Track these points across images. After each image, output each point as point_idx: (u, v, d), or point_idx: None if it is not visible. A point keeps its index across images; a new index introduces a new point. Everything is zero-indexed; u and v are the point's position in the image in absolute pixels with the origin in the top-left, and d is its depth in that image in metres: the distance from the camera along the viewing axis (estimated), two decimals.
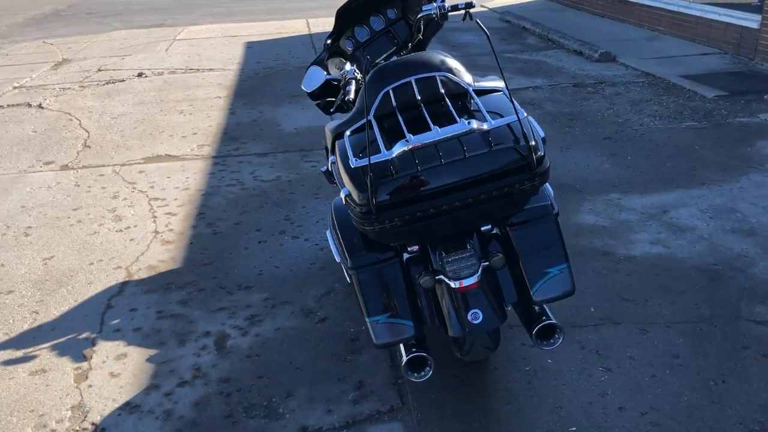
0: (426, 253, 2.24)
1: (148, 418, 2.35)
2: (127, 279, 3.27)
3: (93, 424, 2.34)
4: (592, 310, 2.88)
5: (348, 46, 3.24)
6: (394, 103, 2.10)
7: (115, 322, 2.93)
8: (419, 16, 3.25)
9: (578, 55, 7.65)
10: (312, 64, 3.16)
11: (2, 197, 4.32)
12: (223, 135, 5.37)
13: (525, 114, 1.96)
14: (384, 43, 3.31)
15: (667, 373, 2.48)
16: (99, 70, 7.90)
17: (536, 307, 2.30)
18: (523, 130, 1.95)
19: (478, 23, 1.88)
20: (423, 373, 2.18)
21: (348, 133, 2.13)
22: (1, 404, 2.46)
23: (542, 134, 2.09)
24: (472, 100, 2.10)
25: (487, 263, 2.18)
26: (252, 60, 8.18)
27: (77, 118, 5.95)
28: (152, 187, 4.37)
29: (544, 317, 2.24)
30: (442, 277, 2.15)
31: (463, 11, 3.35)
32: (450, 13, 3.27)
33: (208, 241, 3.62)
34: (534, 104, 5.85)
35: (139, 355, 2.69)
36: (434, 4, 3.27)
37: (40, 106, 6.41)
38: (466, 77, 2.20)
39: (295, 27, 10.52)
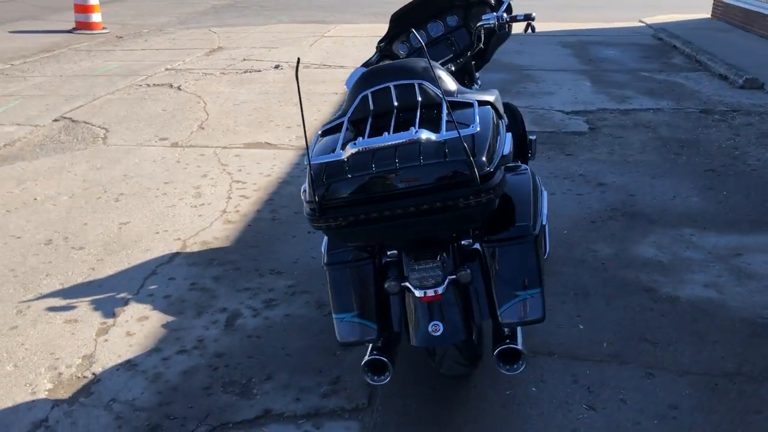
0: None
1: (139, 377, 2.55)
2: (180, 250, 3.54)
3: (93, 374, 2.58)
4: (605, 345, 2.73)
5: (401, 51, 3.29)
6: (371, 107, 2.13)
7: (152, 287, 3.19)
8: (479, 24, 3.23)
9: (722, 79, 7.11)
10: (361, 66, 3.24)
11: (112, 165, 4.80)
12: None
13: (478, 129, 1.91)
14: (441, 49, 3.32)
15: (654, 423, 2.31)
16: (244, 59, 8.45)
17: (506, 329, 2.24)
18: (474, 144, 1.91)
19: (415, 33, 1.86)
20: (382, 377, 2.20)
21: (320, 132, 2.19)
22: (33, 343, 2.77)
23: (506, 152, 2.03)
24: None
25: (454, 277, 2.16)
26: None
27: (204, 102, 6.43)
28: (240, 170, 4.66)
29: (508, 340, 2.18)
30: (407, 284, 2.15)
31: (524, 24, 3.29)
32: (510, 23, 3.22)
33: (265, 225, 3.81)
34: (648, 127, 5.53)
35: (158, 320, 2.92)
36: (494, 13, 3.24)
37: (179, 87, 6.99)
38: (449, 87, 2.17)
39: None
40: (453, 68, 3.26)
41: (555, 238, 3.61)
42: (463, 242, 2.24)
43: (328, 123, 2.23)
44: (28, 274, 3.31)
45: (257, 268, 3.35)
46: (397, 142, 1.88)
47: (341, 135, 2.05)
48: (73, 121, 5.90)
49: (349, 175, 1.92)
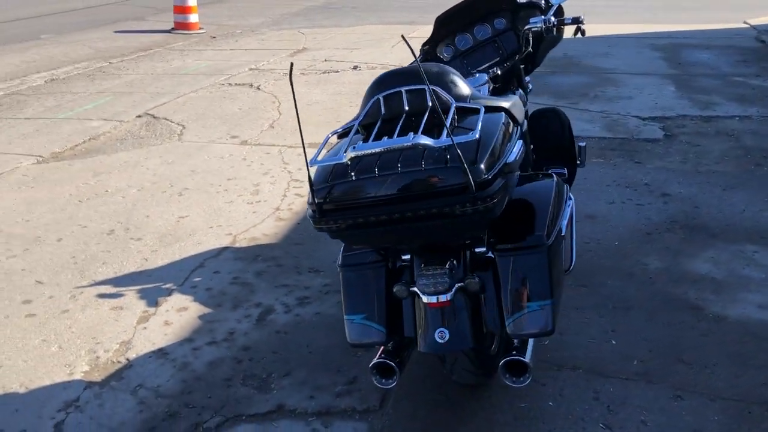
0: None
1: (167, 365, 2.67)
2: (229, 245, 3.66)
3: (127, 359, 2.72)
4: (635, 362, 2.62)
5: (445, 53, 3.27)
6: (382, 111, 2.13)
7: (197, 279, 3.32)
8: (526, 27, 3.17)
9: None
10: None
11: (183, 160, 5.01)
12: None
13: (476, 136, 1.87)
14: (488, 53, 3.28)
15: None
16: (325, 60, 8.61)
17: (515, 340, 2.20)
18: (472, 151, 1.88)
19: (402, 38, 1.84)
20: (389, 381, 2.20)
21: (329, 134, 2.22)
22: (79, 327, 2.95)
23: (511, 159, 1.98)
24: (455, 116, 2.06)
25: (463, 284, 2.13)
26: None
27: (279, 101, 6.60)
28: (300, 169, 4.76)
29: (515, 351, 2.14)
30: (415, 289, 2.15)
31: (573, 27, 3.20)
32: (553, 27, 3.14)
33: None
34: (731, 135, 5.25)
35: (196, 311, 3.04)
36: (542, 17, 3.17)
37: (258, 87, 7.21)
38: (462, 92, 2.14)
39: None
40: (499, 72, 3.21)
41: (604, 249, 3.50)
42: (477, 250, 2.21)
43: (342, 126, 2.25)
44: (86, 262, 3.51)
45: (297, 265, 3.42)
46: (393, 147, 1.88)
47: (348, 138, 2.07)
48: (154, 117, 6.20)
49: (350, 179, 1.94)
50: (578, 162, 3.49)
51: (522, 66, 3.36)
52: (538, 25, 3.19)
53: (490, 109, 2.10)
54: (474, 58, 3.30)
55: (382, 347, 2.26)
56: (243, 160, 4.99)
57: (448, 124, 1.93)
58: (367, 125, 2.16)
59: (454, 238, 2.10)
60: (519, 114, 2.20)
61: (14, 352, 2.77)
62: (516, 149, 2.04)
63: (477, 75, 3.12)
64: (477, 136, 1.86)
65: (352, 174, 1.94)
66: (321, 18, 12.97)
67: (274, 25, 12.11)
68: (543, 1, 3.27)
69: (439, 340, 2.14)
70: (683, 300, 3.03)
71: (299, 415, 2.39)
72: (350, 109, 6.25)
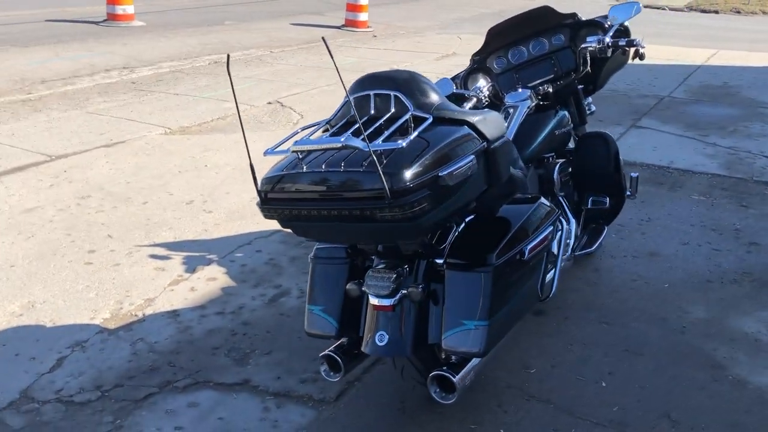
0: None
1: (172, 326, 2.91)
2: (282, 229, 3.86)
3: (143, 314, 3.00)
4: (615, 409, 2.46)
5: (497, 65, 3.23)
6: (352, 112, 2.18)
7: (238, 255, 3.56)
8: (582, 46, 3.07)
9: None
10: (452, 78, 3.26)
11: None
12: None
13: (403, 144, 1.87)
14: (542, 69, 3.20)
15: None
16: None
17: (453, 357, 2.17)
18: (398, 159, 1.87)
19: (323, 40, 1.86)
20: (335, 374, 2.28)
21: (299, 129, 2.30)
22: (121, 280, 3.28)
23: (444, 173, 1.93)
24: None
25: (406, 292, 2.15)
26: None
27: None
28: None
29: (446, 367, 2.12)
30: (365, 289, 2.20)
31: (629, 50, 3.05)
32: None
33: None
34: None
35: (221, 283, 3.27)
36: (597, 36, 3.05)
37: None
38: (428, 101, 2.12)
39: (692, 56, 9.76)
40: (550, 89, 3.13)
41: (649, 290, 3.28)
42: (437, 261, 2.22)
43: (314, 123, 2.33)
44: (156, 225, 3.88)
45: None
46: (325, 145, 1.94)
47: (309, 133, 2.15)
48: (282, 105, 6.60)
49: (293, 171, 2.02)
50: (628, 193, 3.30)
51: (581, 86, 3.25)
52: (593, 45, 3.07)
53: (449, 121, 2.08)
54: (527, 73, 3.23)
55: (340, 341, 2.33)
56: None
57: (390, 131, 1.95)
58: (335, 125, 2.21)
59: (383, 241, 2.12)
60: (492, 130, 2.15)
61: (60, 292, 3.16)
62: (459, 163, 1.98)
63: (520, 90, 3.07)
64: (402, 144, 1.87)
65: (299, 167, 2.03)
66: (489, 23, 12.93)
67: (441, 29, 12.30)
68: (607, 21, 3.13)
69: (378, 343, 2.17)
70: (708, 356, 2.78)
71: (259, 392, 2.52)
72: None
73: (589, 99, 3.45)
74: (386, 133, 1.94)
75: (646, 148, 5.51)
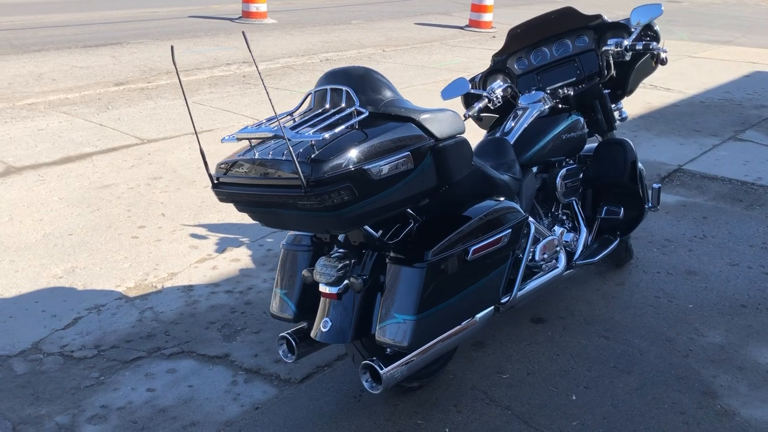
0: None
1: (182, 299, 3.13)
2: None
3: (162, 286, 3.24)
4: (575, 423, 2.38)
5: (518, 67, 3.19)
6: (311, 105, 2.26)
7: (269, 240, 3.74)
8: (603, 49, 2.98)
9: None
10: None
11: None
12: None
13: (325, 135, 1.92)
14: (565, 71, 3.13)
15: None
16: None
17: (388, 349, 2.21)
18: (318, 150, 1.92)
19: (243, 34, 1.93)
20: (291, 356, 2.39)
21: (264, 120, 2.40)
22: (156, 254, 3.57)
23: (370, 166, 1.94)
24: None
25: (348, 282, 2.21)
26: (724, 89, 7.46)
27: None
28: None
29: (376, 358, 2.16)
30: (315, 276, 2.29)
31: (645, 51, 2.92)
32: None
33: None
34: None
35: (242, 264, 3.46)
36: (617, 39, 2.94)
37: None
38: (379, 97, 2.15)
39: None
40: (571, 92, 3.05)
41: (670, 309, 3.10)
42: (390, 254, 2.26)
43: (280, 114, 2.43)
44: (206, 208, 4.16)
45: None
46: (255, 135, 2.04)
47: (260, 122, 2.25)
48: None
49: (238, 157, 2.14)
50: (648, 205, 3.14)
51: (607, 91, 3.13)
52: (611, 48, 2.96)
53: (395, 118, 2.11)
54: (549, 75, 3.16)
55: (301, 325, 2.44)
56: None
57: (324, 124, 2.02)
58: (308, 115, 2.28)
59: (311, 229, 2.19)
60: (442, 128, 2.15)
61: (100, 260, 3.49)
62: (396, 158, 2.01)
63: (533, 91, 3.02)
64: (322, 137, 1.93)
65: (248, 154, 2.15)
66: None
67: None
68: (633, 23, 2.99)
69: (323, 329, 2.26)
70: (703, 382, 2.61)
71: (234, 366, 2.67)
72: None
73: (620, 104, 3.30)
74: (319, 126, 2.01)
75: (737, 162, 5.13)
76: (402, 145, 2.05)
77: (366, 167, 1.96)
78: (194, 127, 2.14)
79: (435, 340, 2.25)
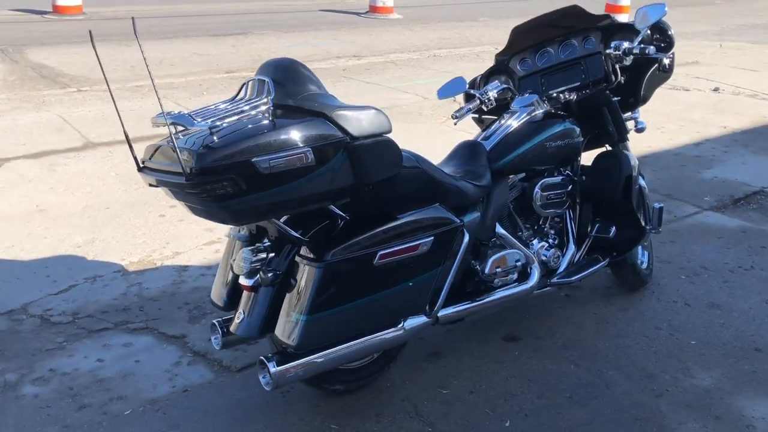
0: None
1: (170, 278, 3.24)
2: None
3: (161, 264, 3.38)
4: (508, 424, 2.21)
5: (521, 68, 3.00)
6: (243, 94, 2.23)
7: None
8: (606, 52, 2.75)
9: None
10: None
11: (419, 139, 5.39)
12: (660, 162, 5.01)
13: (206, 126, 1.89)
14: (571, 75, 2.92)
15: None
16: (696, 77, 7.75)
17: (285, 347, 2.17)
18: (205, 140, 1.89)
19: (132, 20, 1.90)
20: (217, 343, 2.40)
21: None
22: (172, 234, 3.71)
23: (257, 160, 1.88)
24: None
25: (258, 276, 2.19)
26: None
27: None
28: None
29: (271, 355, 2.13)
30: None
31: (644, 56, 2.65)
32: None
33: None
34: None
35: None
36: (617, 42, 2.70)
37: None
38: (295, 90, 2.09)
39: None
40: (573, 97, 2.84)
41: (669, 342, 2.81)
42: None
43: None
44: None
45: None
46: (171, 121, 2.05)
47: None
48: (454, 101, 6.61)
49: (157, 144, 2.17)
50: (648, 226, 2.84)
51: (617, 98, 2.87)
52: (612, 51, 2.71)
53: (308, 112, 2.05)
54: (555, 78, 2.94)
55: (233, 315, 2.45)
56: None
57: (229, 113, 2.00)
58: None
59: (207, 218, 2.14)
60: (359, 127, 2.05)
61: (120, 234, 3.68)
62: (292, 153, 1.94)
63: (527, 94, 2.84)
64: (205, 125, 1.91)
65: (169, 141, 2.18)
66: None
67: (716, 35, 11.10)
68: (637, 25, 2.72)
69: (236, 321, 2.26)
70: (665, 427, 2.33)
71: (186, 347, 2.73)
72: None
73: (636, 113, 3.00)
74: (221, 115, 2.00)
75: None
76: (303, 140, 1.98)
77: (254, 160, 1.91)
78: (117, 111, 2.18)
79: (348, 344, 2.18)
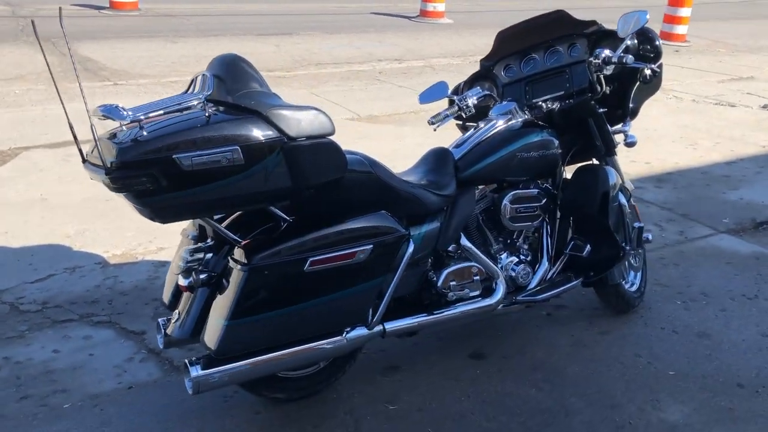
0: None
1: (147, 273, 3.23)
2: None
3: (143, 258, 3.37)
4: None
5: (506, 75, 2.87)
6: (192, 89, 2.18)
7: None
8: (588, 59, 2.61)
9: None
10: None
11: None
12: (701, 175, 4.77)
13: (126, 121, 1.84)
14: (556, 83, 2.78)
15: None
16: (748, 93, 7.38)
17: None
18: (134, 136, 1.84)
19: (60, 14, 1.86)
20: (160, 338, 2.35)
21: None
22: (162, 229, 3.66)
23: (180, 157, 1.82)
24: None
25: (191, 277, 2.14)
26: None
27: None
28: None
29: (195, 359, 2.07)
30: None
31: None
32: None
33: None
34: None
35: None
36: (599, 50, 2.55)
37: None
38: (233, 87, 2.03)
39: None
40: (555, 107, 2.70)
41: (645, 372, 2.64)
42: None
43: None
44: None
45: None
46: (98, 114, 2.02)
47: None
48: None
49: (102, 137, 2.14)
50: (628, 247, 2.67)
51: (603, 110, 2.71)
52: (593, 60, 2.56)
53: (244, 110, 1.99)
54: (540, 86, 2.81)
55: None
56: None
57: (161, 109, 1.96)
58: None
59: (140, 215, 2.08)
60: (296, 127, 1.97)
61: (112, 226, 3.70)
62: (217, 151, 1.88)
63: (504, 102, 2.71)
64: (126, 121, 1.86)
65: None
66: None
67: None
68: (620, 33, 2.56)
69: (172, 321, 2.22)
70: None
71: (142, 344, 2.70)
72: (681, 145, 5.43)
73: (626, 127, 2.83)
74: (158, 110, 1.96)
75: None
76: (232, 138, 1.92)
77: (175, 156, 1.86)
78: (63, 105, 2.16)
79: (280, 353, 2.11)
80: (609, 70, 2.55)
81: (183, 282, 2.15)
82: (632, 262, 2.98)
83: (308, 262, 2.03)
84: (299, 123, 2.00)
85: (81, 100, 1.98)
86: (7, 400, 2.37)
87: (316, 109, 2.05)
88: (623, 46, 2.56)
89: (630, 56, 2.52)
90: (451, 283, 2.40)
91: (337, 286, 2.10)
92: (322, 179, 2.06)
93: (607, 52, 2.53)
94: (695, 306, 3.09)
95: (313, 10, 13.01)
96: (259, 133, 1.94)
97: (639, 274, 3.06)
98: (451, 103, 2.85)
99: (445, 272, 2.40)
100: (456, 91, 2.93)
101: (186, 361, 2.07)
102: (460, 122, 2.94)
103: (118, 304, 2.98)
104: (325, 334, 2.17)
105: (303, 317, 2.09)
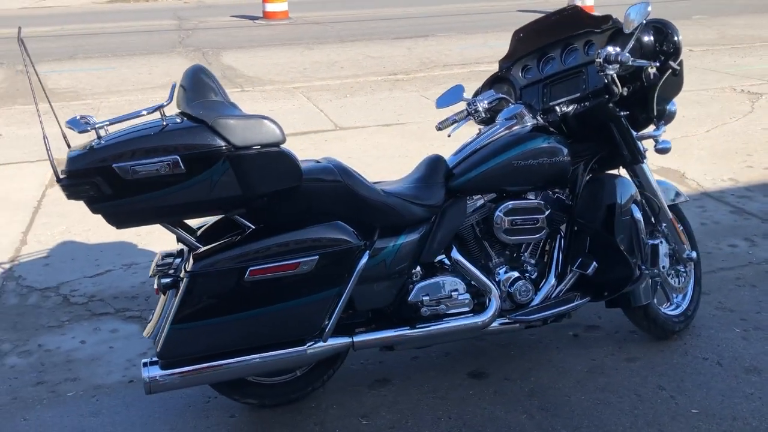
0: None
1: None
2: None
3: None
4: None
5: (524, 76, 2.69)
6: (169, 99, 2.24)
7: None
8: (595, 60, 2.39)
9: None
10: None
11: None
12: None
13: (84, 128, 1.90)
14: (573, 85, 2.57)
15: None
16: None
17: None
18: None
19: (18, 30, 1.94)
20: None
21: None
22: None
23: (123, 166, 1.87)
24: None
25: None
26: None
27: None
28: None
29: (151, 359, 2.14)
30: None
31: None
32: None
33: None
34: None
35: None
36: (603, 49, 2.32)
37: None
38: (197, 97, 2.05)
39: None
40: (570, 110, 2.49)
41: (662, 408, 2.34)
42: None
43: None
44: None
45: None
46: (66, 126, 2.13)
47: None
48: None
49: None
50: (643, 267, 2.37)
51: (626, 113, 2.45)
52: (595, 58, 2.32)
53: (191, 119, 2.02)
54: (558, 88, 2.60)
55: None
56: None
57: (125, 117, 2.04)
58: None
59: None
60: (243, 136, 1.95)
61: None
62: (156, 160, 1.91)
63: (512, 105, 2.54)
64: (86, 129, 1.93)
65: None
66: None
67: None
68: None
69: (148, 322, 2.31)
70: None
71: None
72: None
73: (658, 131, 2.51)
74: (117, 120, 2.04)
75: None
76: (172, 148, 1.95)
77: (115, 165, 1.92)
78: (39, 116, 2.30)
79: (234, 359, 2.12)
80: (613, 70, 2.28)
81: (155, 284, 2.24)
82: (672, 283, 2.65)
83: (248, 272, 2.02)
84: (245, 132, 1.99)
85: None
86: (26, 383, 2.59)
87: (265, 117, 2.03)
88: (630, 43, 2.28)
89: (626, 54, 2.24)
90: (423, 298, 2.28)
91: (281, 296, 2.07)
92: (273, 187, 2.04)
93: (609, 49, 2.26)
94: (756, 336, 2.69)
95: (460, 10, 12.94)
96: (202, 143, 1.96)
97: (687, 296, 2.71)
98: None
99: (417, 287, 2.28)
100: (477, 95, 2.78)
101: (143, 361, 2.13)
102: (481, 126, 2.78)
103: (155, 300, 3.14)
104: (284, 344, 2.15)
105: (248, 326, 2.08)
